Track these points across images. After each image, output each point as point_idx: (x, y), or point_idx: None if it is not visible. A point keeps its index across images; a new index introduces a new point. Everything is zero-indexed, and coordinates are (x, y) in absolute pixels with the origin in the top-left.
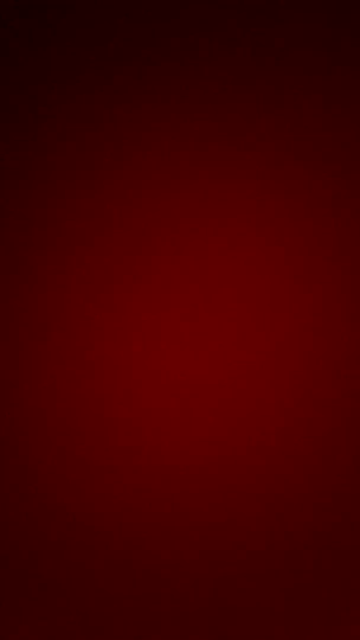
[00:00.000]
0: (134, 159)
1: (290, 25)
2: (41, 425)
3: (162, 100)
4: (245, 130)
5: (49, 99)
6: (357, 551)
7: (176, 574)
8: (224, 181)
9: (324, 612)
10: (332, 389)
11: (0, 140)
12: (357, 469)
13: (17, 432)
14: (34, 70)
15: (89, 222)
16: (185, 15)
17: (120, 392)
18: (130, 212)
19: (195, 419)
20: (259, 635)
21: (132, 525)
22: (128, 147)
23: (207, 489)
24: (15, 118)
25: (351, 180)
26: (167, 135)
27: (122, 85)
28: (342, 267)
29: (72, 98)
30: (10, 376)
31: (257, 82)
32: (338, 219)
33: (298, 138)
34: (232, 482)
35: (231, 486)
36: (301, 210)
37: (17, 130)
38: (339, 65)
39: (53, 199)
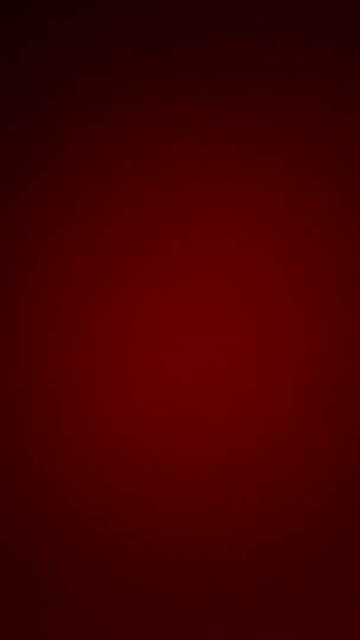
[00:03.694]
0: (134, 159)
1: (290, 27)
2: (41, 424)
3: (162, 100)
4: (246, 131)
5: (50, 99)
6: (357, 551)
7: (175, 572)
8: (224, 182)
9: (324, 612)
10: (333, 388)
11: (0, 141)
12: (357, 470)
13: (17, 434)
14: (35, 69)
15: (88, 222)
16: (186, 15)
17: (120, 392)
18: (130, 213)
19: (195, 417)
20: (259, 634)
21: (132, 525)
22: (128, 147)
23: (208, 488)
24: (16, 118)
25: (351, 181)
26: (167, 136)
27: (123, 85)
28: (341, 266)
29: (73, 98)
30: (10, 376)
31: (257, 82)
32: (338, 219)
33: (298, 139)
34: (232, 480)
35: (231, 485)
36: (301, 212)
37: (17, 130)
38: (339, 63)
39: (53, 200)
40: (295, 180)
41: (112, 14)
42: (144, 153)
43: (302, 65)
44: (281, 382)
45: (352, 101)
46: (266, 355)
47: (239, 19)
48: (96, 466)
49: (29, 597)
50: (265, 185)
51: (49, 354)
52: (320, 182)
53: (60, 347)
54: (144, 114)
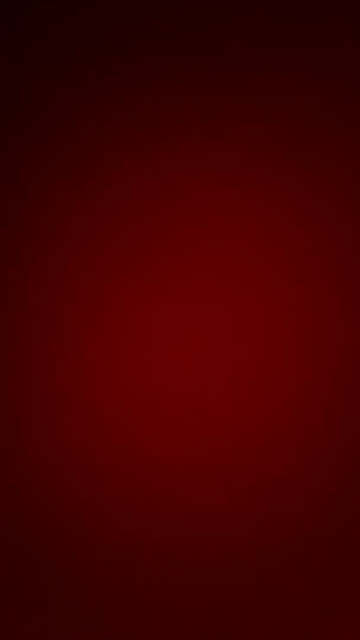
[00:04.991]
0: (135, 159)
1: (290, 27)
2: (41, 423)
3: (163, 100)
4: (246, 131)
5: (50, 99)
6: (356, 551)
7: (175, 572)
8: (224, 183)
9: (324, 612)
10: (333, 387)
11: (0, 140)
12: (357, 470)
13: (17, 434)
14: (35, 69)
15: (88, 223)
16: (186, 15)
17: (119, 392)
18: (130, 213)
19: (195, 417)
20: (259, 634)
21: (132, 525)
22: (128, 147)
23: (208, 487)
24: (16, 118)
25: (351, 182)
26: (168, 136)
27: (123, 85)
28: (341, 266)
29: (73, 98)
30: (10, 376)
31: (258, 84)
32: (338, 220)
33: (299, 141)
34: (232, 480)
35: (231, 484)
36: (301, 215)
37: (17, 130)
38: (339, 63)
39: (52, 201)
40: (296, 180)
41: (112, 14)
42: (145, 153)
43: (302, 65)
44: (281, 382)
45: (353, 101)
46: (266, 355)
47: (239, 19)
48: (96, 466)
49: (29, 597)
50: (266, 185)
51: (49, 353)
52: (321, 182)
53: (60, 347)
54: (144, 114)
